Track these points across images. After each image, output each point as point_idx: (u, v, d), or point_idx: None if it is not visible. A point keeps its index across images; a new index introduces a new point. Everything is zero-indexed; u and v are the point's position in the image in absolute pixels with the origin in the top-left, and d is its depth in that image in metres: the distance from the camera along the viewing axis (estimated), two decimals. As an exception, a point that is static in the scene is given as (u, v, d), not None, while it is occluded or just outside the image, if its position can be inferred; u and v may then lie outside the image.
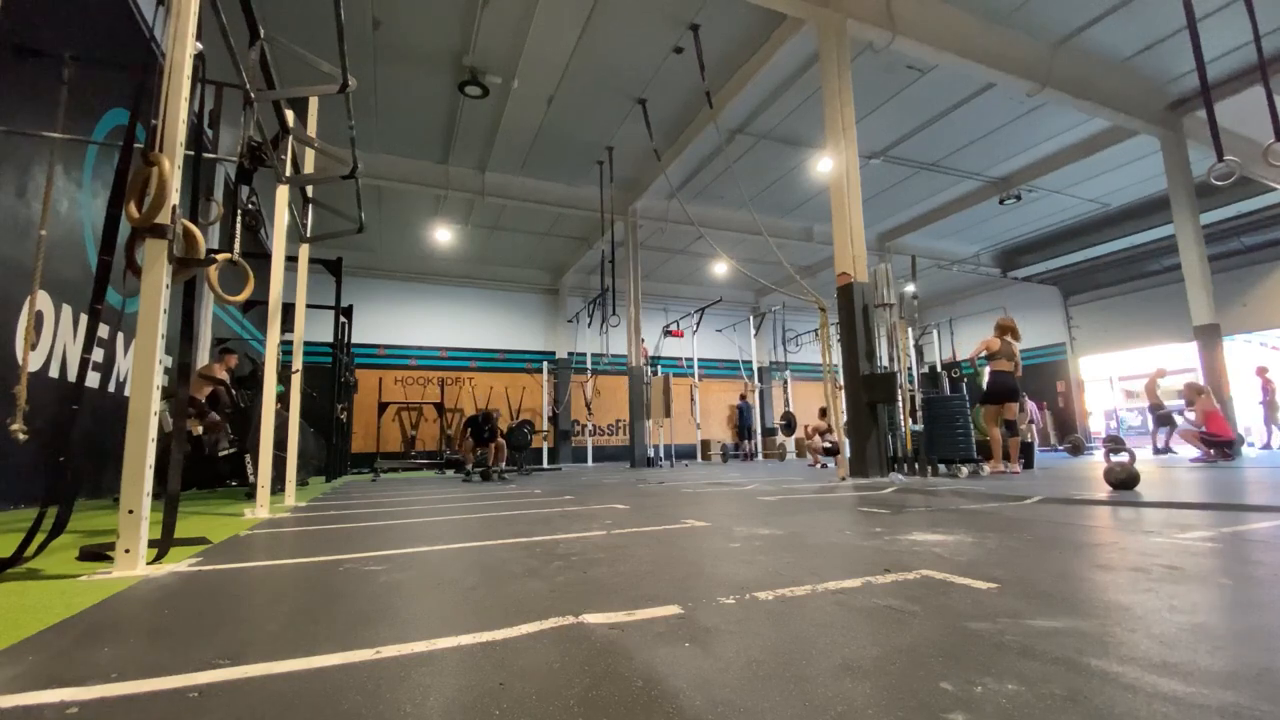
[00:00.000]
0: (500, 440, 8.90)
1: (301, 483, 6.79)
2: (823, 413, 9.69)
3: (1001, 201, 12.39)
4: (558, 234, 14.15)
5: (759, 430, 17.66)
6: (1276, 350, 13.21)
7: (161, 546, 1.95)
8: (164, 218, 1.94)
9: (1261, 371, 11.06)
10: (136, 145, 2.11)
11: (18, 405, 3.54)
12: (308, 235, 5.12)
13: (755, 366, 18.40)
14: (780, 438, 17.93)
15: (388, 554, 2.08)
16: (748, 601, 1.30)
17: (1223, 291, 9.99)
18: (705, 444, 16.12)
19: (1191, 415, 7.81)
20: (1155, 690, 0.77)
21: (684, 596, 1.35)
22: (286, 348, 5.08)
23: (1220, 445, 7.45)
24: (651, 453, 12.30)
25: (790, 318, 19.14)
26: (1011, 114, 9.60)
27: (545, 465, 14.09)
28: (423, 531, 2.77)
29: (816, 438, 9.80)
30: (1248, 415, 9.21)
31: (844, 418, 6.57)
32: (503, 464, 8.87)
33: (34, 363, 4.18)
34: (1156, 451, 9.95)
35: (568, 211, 12.16)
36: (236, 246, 3.19)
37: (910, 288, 12.68)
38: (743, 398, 16.95)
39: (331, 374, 9.36)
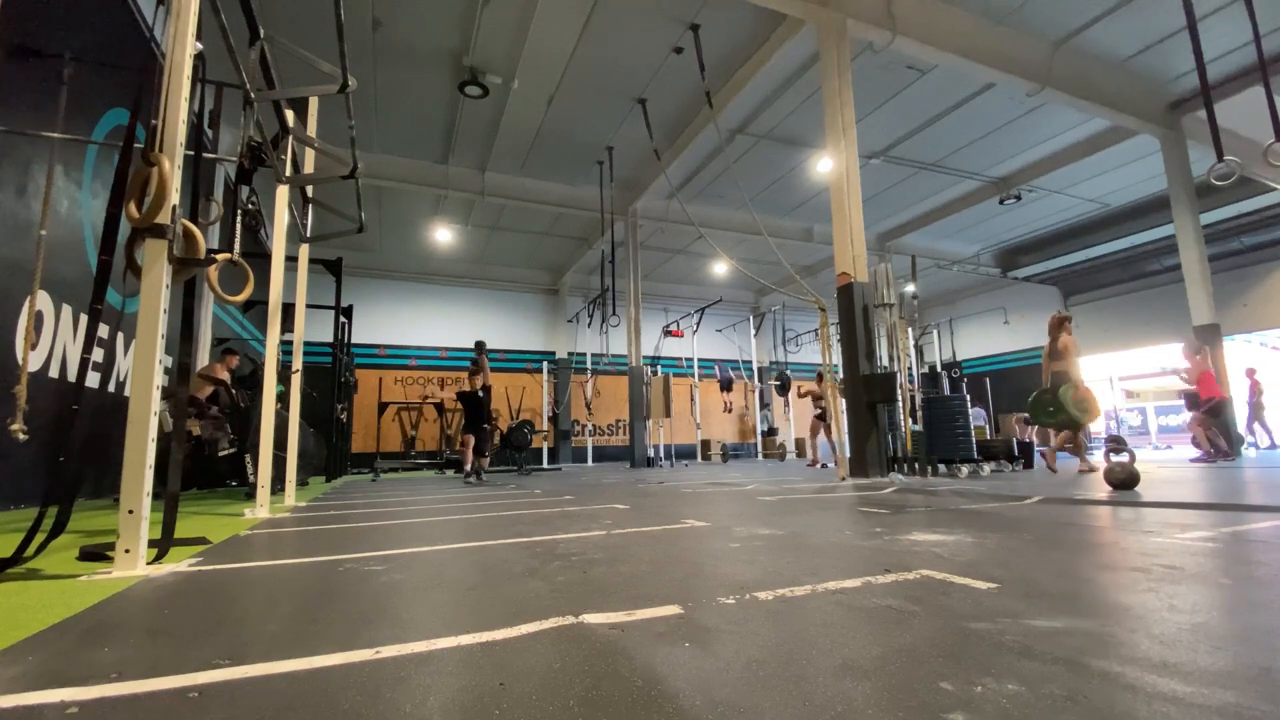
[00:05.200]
0: (468, 438, 7.85)
1: (301, 483, 6.79)
2: (819, 378, 9.69)
3: (1001, 201, 12.39)
4: (558, 234, 14.14)
5: (759, 430, 17.71)
6: (1276, 350, 13.21)
7: (161, 546, 1.95)
8: (164, 218, 1.94)
9: (1250, 373, 11.07)
10: (136, 145, 2.11)
11: (18, 405, 3.54)
12: (308, 235, 5.12)
13: (755, 366, 18.41)
14: (780, 438, 17.96)
15: (388, 554, 2.08)
16: (748, 601, 1.30)
17: (1223, 291, 9.99)
18: (705, 444, 16.13)
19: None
20: (1155, 690, 0.77)
21: (684, 596, 1.35)
22: (286, 348, 5.08)
23: (1212, 410, 7.41)
24: (651, 453, 12.29)
25: (790, 318, 19.14)
26: (1011, 114, 9.60)
27: (545, 465, 14.09)
28: (423, 531, 2.77)
29: (814, 426, 9.80)
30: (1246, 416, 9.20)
31: (840, 382, 6.52)
32: (485, 462, 7.99)
33: (34, 363, 4.18)
34: None
35: (568, 211, 12.16)
36: (236, 246, 3.20)
37: (910, 288, 12.66)
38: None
39: (331, 374, 9.34)
